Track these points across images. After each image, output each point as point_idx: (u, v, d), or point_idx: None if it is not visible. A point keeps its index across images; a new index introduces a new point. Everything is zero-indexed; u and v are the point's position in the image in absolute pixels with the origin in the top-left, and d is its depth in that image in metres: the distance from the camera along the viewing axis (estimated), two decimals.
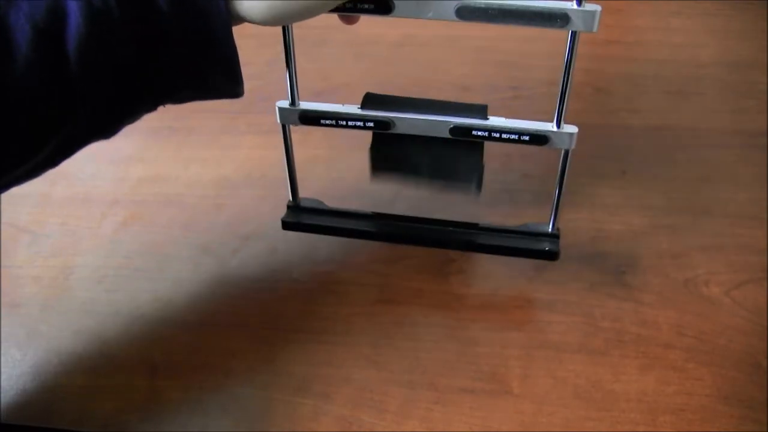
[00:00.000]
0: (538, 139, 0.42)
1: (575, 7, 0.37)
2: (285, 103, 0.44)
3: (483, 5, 0.37)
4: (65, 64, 0.32)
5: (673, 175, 0.57)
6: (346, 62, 0.69)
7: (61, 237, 0.55)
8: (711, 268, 0.50)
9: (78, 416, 0.44)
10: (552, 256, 0.46)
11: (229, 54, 0.35)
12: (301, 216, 0.49)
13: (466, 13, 0.38)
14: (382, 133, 0.44)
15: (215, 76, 0.36)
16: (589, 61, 0.68)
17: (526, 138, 0.42)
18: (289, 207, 0.50)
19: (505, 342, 0.46)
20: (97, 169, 0.60)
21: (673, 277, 0.49)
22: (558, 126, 0.42)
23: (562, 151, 0.43)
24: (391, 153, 0.45)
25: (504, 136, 0.42)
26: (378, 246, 0.51)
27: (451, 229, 0.48)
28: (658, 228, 0.53)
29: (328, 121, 0.44)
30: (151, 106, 0.37)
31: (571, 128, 0.42)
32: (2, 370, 0.46)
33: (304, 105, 0.44)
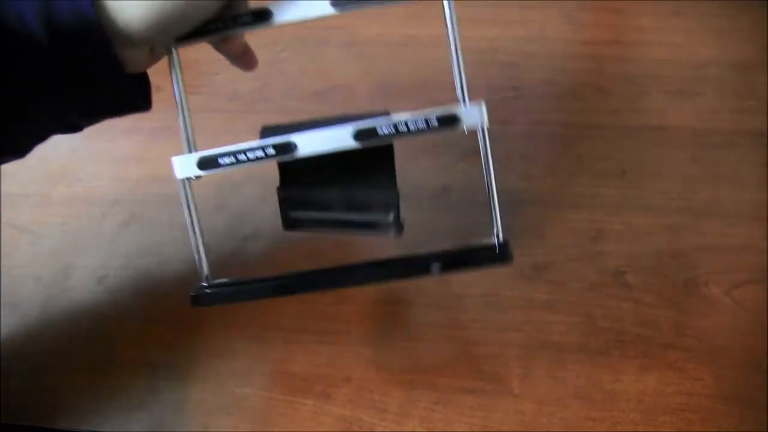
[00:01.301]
0: (448, 120, 0.40)
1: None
2: (182, 155, 0.42)
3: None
4: None
5: (673, 175, 0.56)
6: (347, 62, 0.69)
7: (61, 237, 0.55)
8: (711, 268, 0.50)
9: (78, 416, 0.44)
10: (504, 258, 0.42)
11: (113, 73, 0.35)
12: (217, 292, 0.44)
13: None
14: (289, 170, 0.42)
15: (107, 95, 0.37)
16: (589, 61, 0.68)
17: (436, 123, 0.40)
18: (202, 287, 0.43)
19: (505, 342, 0.46)
20: (97, 169, 0.60)
21: (673, 277, 0.49)
22: (463, 103, 0.40)
23: (479, 132, 0.41)
24: (299, 195, 0.43)
25: (412, 127, 0.40)
26: (378, 246, 0.51)
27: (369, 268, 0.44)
28: (658, 228, 0.52)
29: (226, 160, 0.41)
30: (56, 129, 0.38)
31: (477, 103, 0.40)
32: (2, 369, 0.46)
33: (201, 153, 0.42)
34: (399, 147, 0.56)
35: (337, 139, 0.40)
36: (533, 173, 0.57)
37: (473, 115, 0.40)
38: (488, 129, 0.41)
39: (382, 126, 0.40)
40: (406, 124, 0.40)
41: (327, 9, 0.38)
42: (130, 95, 0.38)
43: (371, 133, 0.40)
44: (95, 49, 0.34)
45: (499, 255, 0.42)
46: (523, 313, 0.48)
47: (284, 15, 0.39)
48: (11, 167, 0.61)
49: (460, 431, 0.42)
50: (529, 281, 0.50)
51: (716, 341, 0.45)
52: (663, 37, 0.71)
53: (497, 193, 0.42)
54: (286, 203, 0.43)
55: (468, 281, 0.50)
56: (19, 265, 0.53)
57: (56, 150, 0.62)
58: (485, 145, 0.41)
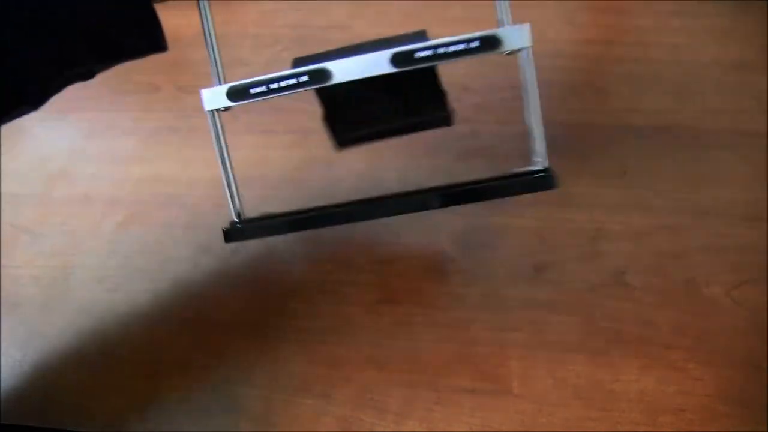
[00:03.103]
0: (490, 42, 0.38)
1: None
2: (211, 87, 0.40)
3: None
4: None
5: (673, 175, 0.56)
6: None
7: (61, 237, 0.55)
8: (711, 268, 0.50)
9: (78, 416, 0.44)
10: (548, 184, 0.42)
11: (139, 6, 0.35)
12: (253, 222, 0.44)
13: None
14: (329, 95, 0.40)
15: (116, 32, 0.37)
16: (589, 61, 0.68)
17: (476, 44, 0.38)
18: (234, 222, 0.44)
19: (505, 342, 0.46)
20: (97, 169, 0.60)
21: (673, 277, 0.49)
22: (506, 25, 0.38)
23: (524, 54, 0.39)
24: (346, 115, 0.41)
25: (451, 49, 0.38)
26: (378, 246, 0.51)
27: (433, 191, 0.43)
28: (658, 228, 0.52)
29: (259, 89, 0.39)
30: (75, 78, 0.37)
31: (521, 25, 0.39)
32: (2, 370, 0.46)
33: (231, 83, 0.40)
34: (399, 147, 0.56)
35: (374, 64, 0.38)
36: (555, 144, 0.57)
37: (518, 37, 0.38)
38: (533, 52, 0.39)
39: (421, 50, 0.38)
40: (446, 46, 0.38)
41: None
42: (142, 38, 0.37)
43: (409, 56, 0.38)
44: None
45: (544, 180, 0.41)
46: (523, 313, 0.48)
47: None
48: (11, 167, 0.61)
49: (460, 431, 0.42)
50: (529, 281, 0.50)
51: (716, 341, 0.45)
52: (663, 37, 0.71)
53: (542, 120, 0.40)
54: (336, 126, 0.42)
55: (468, 281, 0.50)
56: (19, 265, 0.53)
57: (56, 150, 0.62)
58: (530, 68, 0.40)
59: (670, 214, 0.53)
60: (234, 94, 0.39)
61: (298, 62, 0.40)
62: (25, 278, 0.52)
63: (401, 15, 0.75)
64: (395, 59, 0.38)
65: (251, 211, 0.56)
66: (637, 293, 0.48)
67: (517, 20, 0.77)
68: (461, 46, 0.38)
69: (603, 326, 0.47)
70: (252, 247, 0.53)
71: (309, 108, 0.64)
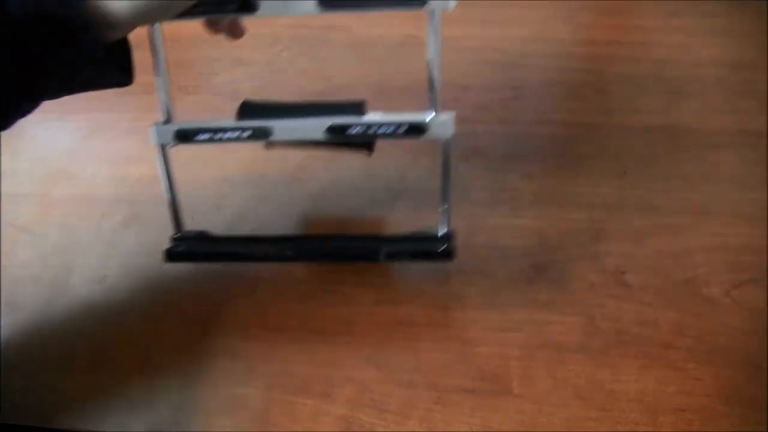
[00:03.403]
0: (416, 129, 0.41)
1: None
2: (161, 122, 0.43)
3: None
4: None
5: (673, 175, 0.56)
6: (347, 62, 0.69)
7: (61, 237, 0.55)
8: (711, 268, 0.50)
9: (78, 415, 0.44)
10: (446, 256, 0.46)
11: (95, 54, 0.36)
12: (188, 245, 0.47)
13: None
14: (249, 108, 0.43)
15: (87, 69, 0.37)
16: (589, 61, 0.68)
17: (404, 129, 0.41)
18: (174, 239, 0.48)
19: (505, 342, 0.46)
20: (97, 169, 0.60)
21: (673, 277, 0.49)
22: (434, 114, 0.41)
23: (442, 144, 0.42)
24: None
25: (381, 130, 0.41)
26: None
27: (334, 242, 0.48)
28: (658, 228, 0.52)
29: (204, 136, 0.42)
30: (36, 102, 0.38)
31: (446, 115, 0.41)
32: (2, 369, 0.46)
33: (180, 124, 0.43)
34: (399, 147, 0.56)
35: (312, 130, 0.42)
36: (533, 173, 0.57)
37: (442, 128, 0.41)
38: (451, 139, 0.42)
39: (354, 126, 0.41)
40: (378, 126, 0.41)
41: (312, 9, 0.39)
42: (111, 73, 0.38)
43: (343, 130, 0.41)
44: (78, 32, 0.34)
45: (440, 253, 0.45)
46: (523, 313, 0.48)
47: (270, 9, 0.39)
48: (11, 167, 0.61)
49: (460, 431, 0.42)
50: (529, 281, 0.50)
51: (716, 341, 0.45)
52: (663, 37, 0.71)
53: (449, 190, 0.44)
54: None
55: (468, 281, 0.50)
56: (19, 265, 0.53)
57: (56, 150, 0.62)
58: (447, 158, 0.43)
59: (670, 214, 0.53)
60: (181, 136, 0.43)
61: (244, 109, 0.43)
62: (25, 278, 0.52)
63: (401, 16, 0.75)
64: (331, 129, 0.41)
65: (252, 211, 0.56)
66: (637, 293, 0.48)
67: (517, 20, 0.77)
68: (390, 129, 0.41)
69: (603, 326, 0.47)
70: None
71: None
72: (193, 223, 0.55)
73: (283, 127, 0.42)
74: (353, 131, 0.41)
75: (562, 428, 0.42)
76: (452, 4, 0.38)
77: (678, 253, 0.51)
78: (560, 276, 0.49)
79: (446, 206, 0.45)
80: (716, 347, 0.45)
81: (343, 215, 0.54)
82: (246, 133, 0.42)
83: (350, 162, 0.58)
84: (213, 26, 0.43)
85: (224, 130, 0.42)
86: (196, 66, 0.67)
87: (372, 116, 0.42)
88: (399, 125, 0.41)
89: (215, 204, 0.56)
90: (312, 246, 0.47)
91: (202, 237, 0.47)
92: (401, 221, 0.52)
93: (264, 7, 0.39)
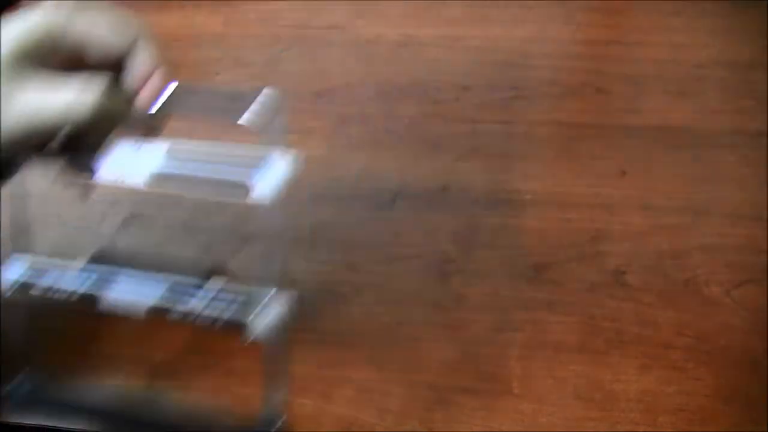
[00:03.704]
0: (235, 323, 0.40)
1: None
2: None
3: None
4: None
5: (673, 175, 0.57)
6: (347, 62, 0.69)
7: (62, 237, 0.55)
8: (711, 268, 0.50)
9: (78, 415, 0.44)
10: None
11: None
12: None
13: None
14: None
15: None
16: (589, 61, 0.68)
17: (222, 322, 0.40)
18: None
19: (505, 342, 0.46)
20: None
21: (673, 277, 0.49)
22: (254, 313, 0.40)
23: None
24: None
25: (199, 320, 0.40)
26: (378, 246, 0.51)
27: None
28: (658, 228, 0.52)
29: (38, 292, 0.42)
30: None
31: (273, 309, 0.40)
32: (2, 369, 0.46)
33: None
34: (399, 147, 0.56)
35: (133, 306, 0.41)
36: (533, 173, 0.57)
37: (261, 323, 0.40)
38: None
39: (175, 311, 0.40)
40: (197, 316, 0.40)
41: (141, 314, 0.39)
42: None
43: (163, 312, 0.40)
44: None
45: None
46: (523, 313, 0.48)
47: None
48: None
49: (460, 431, 0.42)
50: (529, 281, 0.50)
51: (716, 341, 0.45)
52: (663, 37, 0.71)
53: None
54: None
55: (468, 281, 0.50)
56: None
57: None
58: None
59: (670, 214, 0.53)
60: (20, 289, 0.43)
61: (94, 259, 0.44)
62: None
63: (401, 16, 0.75)
64: (150, 311, 0.41)
65: (251, 211, 0.56)
66: (637, 293, 0.48)
67: (517, 20, 0.77)
68: (209, 322, 0.40)
69: (603, 326, 0.47)
70: (252, 247, 0.53)
71: (309, 108, 0.64)
72: (193, 224, 0.55)
73: (116, 290, 0.42)
74: (172, 316, 0.40)
75: (562, 428, 0.42)
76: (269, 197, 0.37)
77: (678, 253, 0.51)
78: (560, 276, 0.49)
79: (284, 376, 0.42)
80: (716, 347, 0.45)
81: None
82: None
83: (350, 163, 0.58)
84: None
85: (57, 291, 0.42)
86: (196, 66, 0.67)
87: (195, 304, 0.40)
88: (216, 320, 0.40)
89: (215, 204, 0.56)
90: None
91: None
92: (401, 222, 0.52)
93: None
